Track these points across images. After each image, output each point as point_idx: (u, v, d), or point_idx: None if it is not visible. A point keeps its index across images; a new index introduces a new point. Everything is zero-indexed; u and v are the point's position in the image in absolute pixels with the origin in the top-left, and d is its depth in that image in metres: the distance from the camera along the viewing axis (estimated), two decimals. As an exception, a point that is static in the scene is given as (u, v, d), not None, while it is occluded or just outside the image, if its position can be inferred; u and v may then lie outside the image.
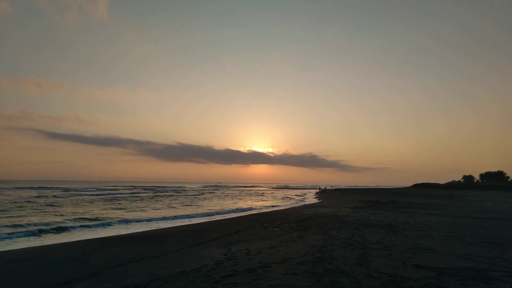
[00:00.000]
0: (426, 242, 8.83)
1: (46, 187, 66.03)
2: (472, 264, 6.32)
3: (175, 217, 18.94)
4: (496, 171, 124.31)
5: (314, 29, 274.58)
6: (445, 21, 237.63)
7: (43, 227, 13.67)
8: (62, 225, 14.50)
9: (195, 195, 48.07)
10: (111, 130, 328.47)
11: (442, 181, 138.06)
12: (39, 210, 21.50)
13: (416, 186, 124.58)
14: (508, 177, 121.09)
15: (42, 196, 37.70)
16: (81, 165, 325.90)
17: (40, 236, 12.29)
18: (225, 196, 47.27)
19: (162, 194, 46.98)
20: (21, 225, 14.09)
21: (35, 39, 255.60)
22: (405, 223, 13.05)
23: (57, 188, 63.13)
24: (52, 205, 25.20)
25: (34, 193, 44.90)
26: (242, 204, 31.66)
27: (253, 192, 67.61)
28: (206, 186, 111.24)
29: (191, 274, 6.29)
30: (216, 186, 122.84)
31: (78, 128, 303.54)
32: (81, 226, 14.62)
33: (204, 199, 38.64)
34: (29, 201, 28.70)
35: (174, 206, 26.33)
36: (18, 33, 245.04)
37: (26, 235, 12.14)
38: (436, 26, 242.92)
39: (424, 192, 65.28)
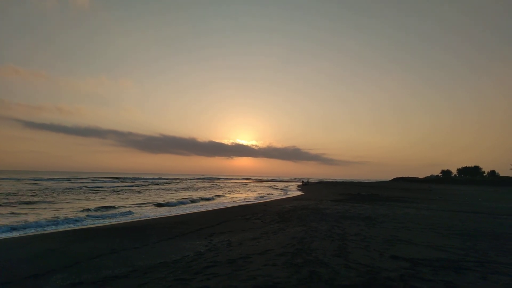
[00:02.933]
0: (403, 234, 9.08)
1: (45, 179, 63.09)
2: (446, 255, 6.55)
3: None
4: (473, 166, 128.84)
5: (299, 24, 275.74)
6: (428, 19, 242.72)
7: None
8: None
9: (209, 187, 49.12)
10: (92, 120, 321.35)
11: (421, 175, 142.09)
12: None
13: (396, 180, 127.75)
14: (484, 172, 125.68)
15: (76, 187, 37.18)
16: (60, 156, 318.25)
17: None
18: (228, 188, 48.02)
19: (176, 186, 47.49)
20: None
21: (12, 25, 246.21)
22: (383, 216, 13.36)
23: (59, 179, 61.28)
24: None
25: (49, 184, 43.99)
26: (241, 195, 32.58)
27: (245, 184, 68.64)
28: (198, 179, 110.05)
29: (171, 265, 6.27)
30: (207, 178, 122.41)
31: (57, 118, 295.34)
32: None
33: (235, 190, 39.53)
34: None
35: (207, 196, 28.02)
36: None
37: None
38: (418, 24, 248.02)
39: (404, 186, 66.94)
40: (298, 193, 37.05)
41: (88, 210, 16.38)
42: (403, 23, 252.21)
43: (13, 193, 26.70)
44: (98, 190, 33.36)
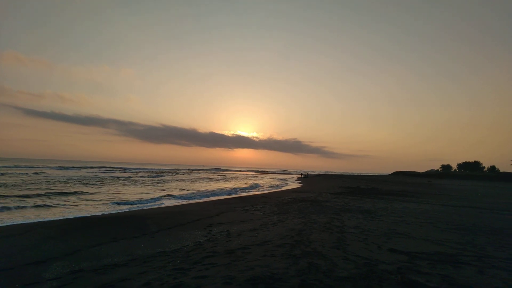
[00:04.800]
0: (401, 227, 9.11)
1: (54, 167, 63.30)
2: (444, 249, 6.58)
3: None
4: (473, 161, 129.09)
5: (300, 18, 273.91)
6: (429, 20, 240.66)
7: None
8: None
9: (225, 178, 51.40)
10: (92, 109, 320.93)
11: (421, 169, 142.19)
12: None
13: (396, 174, 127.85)
14: (484, 167, 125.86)
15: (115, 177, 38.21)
16: (61, 144, 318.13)
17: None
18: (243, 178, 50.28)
19: (197, 177, 49.65)
20: None
21: (15, 12, 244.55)
22: (383, 209, 13.41)
23: (66, 168, 61.71)
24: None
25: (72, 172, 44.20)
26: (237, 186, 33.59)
27: (254, 175, 70.66)
28: (203, 169, 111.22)
29: (170, 254, 6.32)
30: (212, 169, 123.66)
31: (58, 106, 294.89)
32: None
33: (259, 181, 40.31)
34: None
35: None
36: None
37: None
38: (417, 21, 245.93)
39: (403, 180, 67.02)
40: (298, 185, 37.15)
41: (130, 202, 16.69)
42: (404, 22, 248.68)
43: (32, 182, 26.10)
44: (128, 180, 34.31)
